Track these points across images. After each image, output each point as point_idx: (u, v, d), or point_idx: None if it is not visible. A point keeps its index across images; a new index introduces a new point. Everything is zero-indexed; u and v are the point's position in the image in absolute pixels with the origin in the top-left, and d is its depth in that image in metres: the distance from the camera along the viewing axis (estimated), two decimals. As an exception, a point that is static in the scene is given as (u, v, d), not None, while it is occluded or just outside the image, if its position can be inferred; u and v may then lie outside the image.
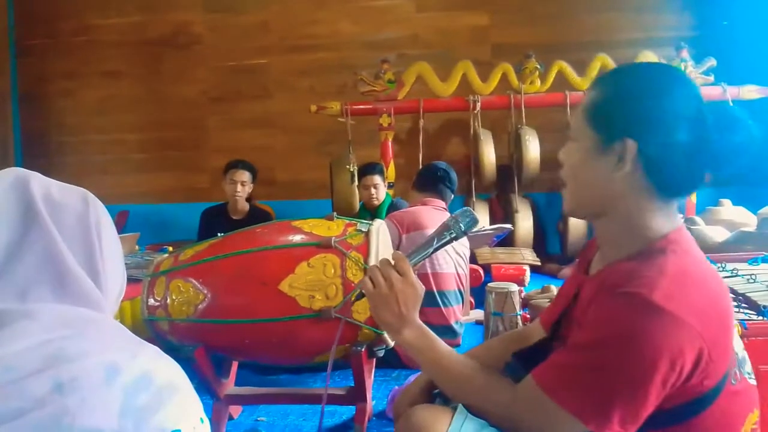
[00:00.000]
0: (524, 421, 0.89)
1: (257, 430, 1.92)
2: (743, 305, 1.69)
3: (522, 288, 3.23)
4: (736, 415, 0.88)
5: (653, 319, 0.78)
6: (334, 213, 1.90)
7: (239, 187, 3.79)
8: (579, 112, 0.96)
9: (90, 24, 5.81)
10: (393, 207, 3.63)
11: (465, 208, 1.14)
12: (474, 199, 4.71)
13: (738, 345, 0.92)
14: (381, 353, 1.81)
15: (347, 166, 4.39)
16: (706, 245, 2.94)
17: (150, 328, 1.77)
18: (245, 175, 3.83)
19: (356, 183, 4.28)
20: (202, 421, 0.63)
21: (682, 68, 4.34)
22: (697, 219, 3.64)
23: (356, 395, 1.79)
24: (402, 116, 4.87)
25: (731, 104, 3.49)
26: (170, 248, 3.01)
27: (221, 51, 5.66)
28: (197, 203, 4.54)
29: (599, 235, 0.99)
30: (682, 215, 0.97)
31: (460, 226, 1.10)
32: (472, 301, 3.24)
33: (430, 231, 2.51)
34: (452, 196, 2.93)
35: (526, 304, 2.97)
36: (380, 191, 3.89)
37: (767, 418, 1.04)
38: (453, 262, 2.67)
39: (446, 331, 2.54)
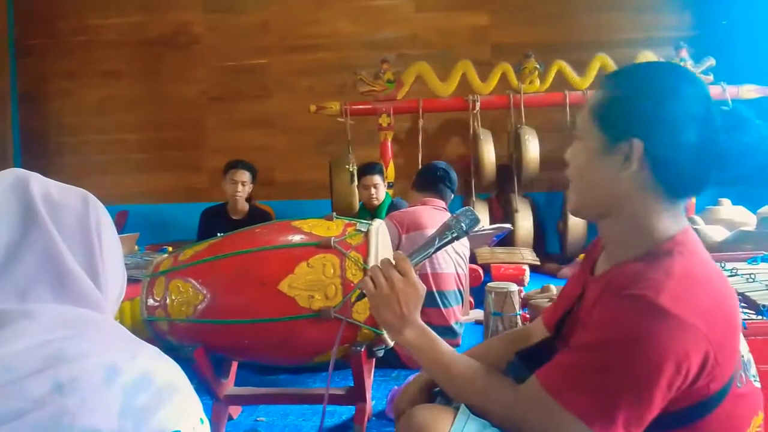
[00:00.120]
0: (527, 422, 0.88)
1: (257, 431, 1.92)
2: (742, 305, 1.69)
3: (521, 288, 3.23)
4: (741, 418, 0.87)
5: (659, 321, 0.78)
6: (334, 213, 1.90)
7: (240, 187, 3.80)
8: (585, 111, 0.95)
9: (90, 24, 5.81)
10: (393, 207, 3.63)
11: (466, 207, 1.13)
12: (474, 198, 4.71)
13: (744, 347, 0.91)
14: (380, 353, 1.81)
15: (347, 166, 4.39)
16: (706, 245, 2.92)
17: (149, 328, 1.77)
18: (245, 175, 3.84)
19: (356, 183, 4.28)
20: (201, 421, 0.63)
21: (682, 68, 4.34)
22: (697, 218, 3.65)
23: (356, 395, 1.79)
24: (401, 116, 4.87)
25: (730, 103, 3.50)
26: (170, 248, 3.01)
27: (221, 51, 5.66)
28: (197, 203, 4.54)
29: (605, 235, 0.98)
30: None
31: (462, 226, 1.09)
32: (472, 301, 3.24)
33: (430, 231, 2.53)
34: (452, 195, 2.93)
35: (525, 303, 2.98)
36: (380, 191, 3.89)
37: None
38: (453, 262, 2.67)
39: (446, 332, 2.54)
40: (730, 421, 0.85)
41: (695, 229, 3.23)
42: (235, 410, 2.03)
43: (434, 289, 2.54)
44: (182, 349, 1.70)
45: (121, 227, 5.08)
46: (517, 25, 5.33)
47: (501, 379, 0.96)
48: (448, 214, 2.75)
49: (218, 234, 1.90)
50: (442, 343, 1.02)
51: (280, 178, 5.60)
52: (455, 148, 5.40)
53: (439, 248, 1.10)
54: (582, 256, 4.22)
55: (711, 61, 4.45)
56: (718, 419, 0.84)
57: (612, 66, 4.54)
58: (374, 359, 1.93)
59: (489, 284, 2.59)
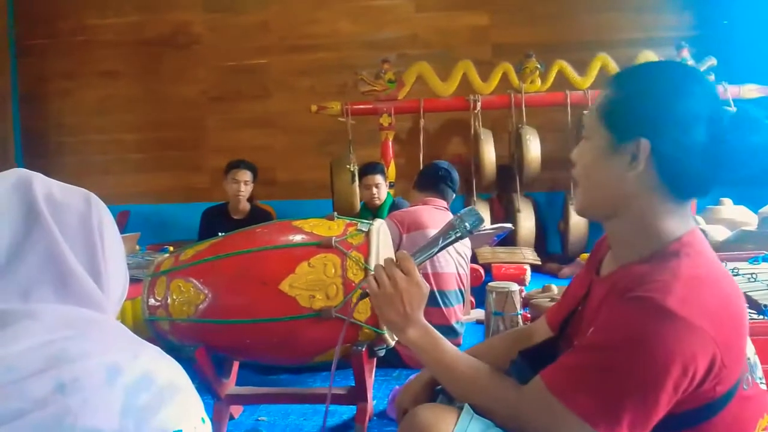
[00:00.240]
0: (531, 423, 0.87)
1: (258, 430, 1.92)
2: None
3: (523, 287, 3.23)
4: (746, 420, 0.87)
5: (666, 323, 0.77)
6: (335, 213, 1.90)
7: (242, 187, 3.81)
8: (593, 110, 0.95)
9: (89, 24, 5.81)
10: (394, 207, 3.62)
11: (470, 207, 1.13)
12: (475, 198, 4.71)
13: (750, 349, 0.91)
14: (382, 353, 1.81)
15: (348, 166, 4.39)
16: (707, 244, 2.93)
17: (151, 328, 1.77)
18: (247, 175, 3.84)
19: (357, 183, 4.28)
20: (203, 420, 0.63)
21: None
22: (698, 218, 3.64)
23: (357, 395, 1.79)
24: (402, 116, 4.87)
25: (732, 103, 3.49)
26: (171, 248, 3.01)
27: (221, 51, 5.65)
28: (197, 203, 4.55)
29: (611, 236, 0.97)
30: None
31: (466, 226, 1.09)
32: (473, 300, 3.24)
33: (431, 231, 2.54)
34: (454, 195, 2.93)
35: (526, 303, 2.97)
36: (382, 191, 3.89)
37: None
38: (454, 261, 2.67)
39: (447, 331, 2.53)
40: (736, 424, 0.85)
41: (696, 229, 3.19)
42: (237, 410, 2.03)
43: (435, 289, 2.54)
44: (183, 349, 1.70)
45: (123, 227, 5.09)
46: (518, 25, 5.33)
47: (504, 379, 0.96)
48: (450, 214, 2.77)
49: (219, 234, 1.90)
50: (446, 343, 1.02)
51: (281, 178, 5.60)
52: (456, 147, 5.40)
53: (442, 248, 1.10)
54: (583, 256, 4.22)
55: (712, 61, 4.45)
56: (724, 422, 0.83)
57: (613, 66, 4.54)
58: (375, 359, 1.93)
59: (490, 284, 2.59)
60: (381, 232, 1.81)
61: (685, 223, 0.90)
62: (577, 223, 4.58)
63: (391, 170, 4.58)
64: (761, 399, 0.90)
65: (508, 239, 4.43)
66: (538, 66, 4.58)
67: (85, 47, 5.81)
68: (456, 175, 2.91)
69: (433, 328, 1.04)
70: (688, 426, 0.83)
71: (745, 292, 1.73)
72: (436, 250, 1.09)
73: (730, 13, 4.99)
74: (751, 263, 2.14)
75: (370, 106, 4.68)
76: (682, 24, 5.15)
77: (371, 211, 3.89)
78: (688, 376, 0.78)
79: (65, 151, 5.92)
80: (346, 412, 2.02)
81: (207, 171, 5.65)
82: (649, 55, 4.43)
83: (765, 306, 1.62)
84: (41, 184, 0.67)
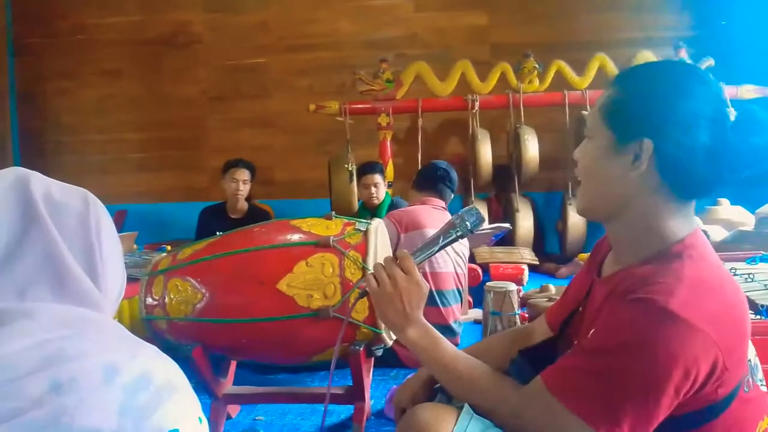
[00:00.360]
0: (531, 423, 0.87)
1: (255, 430, 1.92)
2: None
3: (520, 287, 3.23)
4: (747, 422, 0.87)
5: (669, 326, 0.77)
6: (333, 212, 1.90)
7: (240, 186, 3.81)
8: (595, 110, 0.94)
9: (88, 23, 5.80)
10: (393, 206, 3.63)
11: (471, 206, 1.12)
12: (473, 198, 4.71)
13: (751, 351, 0.90)
14: (379, 352, 1.81)
15: (346, 166, 4.39)
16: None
17: (148, 327, 1.77)
18: (245, 174, 3.85)
19: (355, 182, 4.28)
20: (200, 420, 0.63)
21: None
22: (696, 218, 3.64)
23: (355, 394, 1.79)
24: (400, 116, 4.87)
25: (729, 104, 3.49)
26: (168, 247, 3.00)
27: (221, 50, 5.65)
28: (196, 202, 4.54)
29: (612, 236, 0.97)
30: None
31: (467, 225, 1.08)
32: (471, 300, 3.24)
33: (429, 230, 2.54)
34: (452, 195, 2.93)
35: (524, 303, 2.98)
36: (380, 190, 3.89)
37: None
38: (452, 261, 2.67)
39: (445, 331, 2.53)
40: (737, 426, 0.85)
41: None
42: (234, 409, 2.03)
43: (433, 288, 2.54)
44: (181, 348, 1.70)
45: (120, 226, 5.08)
46: (516, 25, 5.33)
47: (505, 380, 0.95)
48: (448, 214, 2.77)
49: (217, 233, 1.90)
50: (445, 342, 1.01)
51: (279, 178, 5.60)
52: (454, 147, 5.40)
53: (443, 247, 1.09)
54: (581, 256, 4.22)
55: (710, 61, 4.45)
56: (725, 424, 0.83)
57: (611, 66, 4.54)
58: (373, 358, 1.93)
59: (488, 284, 2.59)
60: (379, 231, 1.81)
61: (687, 224, 0.90)
62: (575, 224, 4.58)
63: (389, 170, 4.58)
64: (762, 401, 0.90)
65: (506, 239, 4.43)
66: (537, 66, 4.59)
67: (84, 46, 5.79)
68: (454, 175, 2.92)
69: (432, 327, 1.03)
70: (689, 428, 0.83)
71: (742, 293, 1.73)
72: (436, 249, 1.09)
73: (729, 14, 4.99)
74: (748, 263, 2.14)
75: (369, 106, 4.68)
76: (680, 24, 5.15)
77: (370, 210, 3.89)
78: (690, 380, 0.78)
79: (63, 151, 5.91)
80: (344, 411, 2.02)
81: (206, 170, 5.64)
82: (647, 55, 4.43)
83: (762, 306, 1.62)
84: (39, 183, 0.67)
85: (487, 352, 1.15)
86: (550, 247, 5.12)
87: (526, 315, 2.80)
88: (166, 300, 1.72)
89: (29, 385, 0.54)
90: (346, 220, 1.84)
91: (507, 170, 4.88)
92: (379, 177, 3.88)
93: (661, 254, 0.87)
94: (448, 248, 2.67)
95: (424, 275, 2.56)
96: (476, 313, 3.07)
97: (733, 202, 3.96)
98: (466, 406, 0.94)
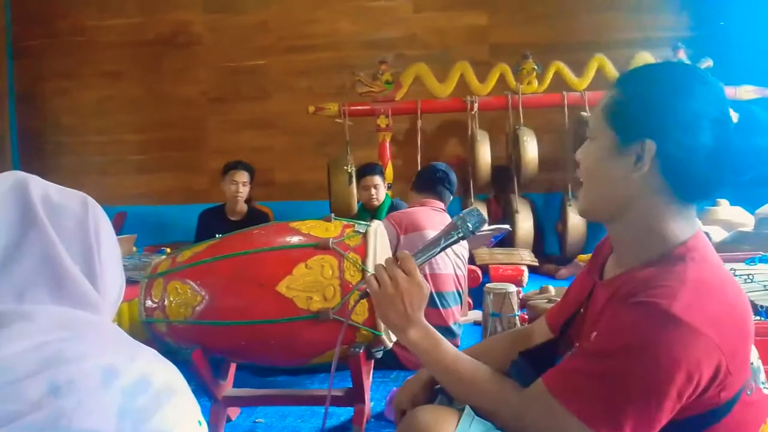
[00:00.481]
0: (533, 425, 0.87)
1: (255, 432, 1.92)
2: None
3: (520, 289, 3.23)
4: (749, 425, 0.86)
5: (671, 330, 0.77)
6: (332, 214, 1.90)
7: (240, 188, 3.81)
8: (598, 111, 0.94)
9: (88, 24, 5.80)
10: (393, 208, 3.63)
11: (472, 207, 1.11)
12: (472, 199, 4.71)
13: (753, 354, 0.90)
14: (379, 354, 1.81)
15: (345, 167, 4.39)
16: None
17: (147, 330, 1.77)
18: (245, 176, 3.85)
19: (354, 184, 4.27)
20: (199, 423, 0.63)
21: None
22: (697, 220, 3.64)
23: (355, 396, 1.79)
24: (400, 117, 4.88)
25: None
26: (168, 250, 3.00)
27: (220, 51, 5.65)
28: (196, 204, 4.54)
29: (615, 238, 0.96)
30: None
31: (468, 226, 1.08)
32: (471, 301, 3.24)
33: (429, 232, 2.54)
34: (451, 197, 2.93)
35: (524, 304, 2.98)
36: (380, 192, 3.89)
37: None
38: (451, 263, 2.67)
39: (445, 332, 2.51)
40: (739, 429, 0.85)
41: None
42: (234, 412, 2.03)
43: (433, 290, 2.54)
44: (180, 351, 1.70)
45: (119, 228, 5.07)
46: (516, 26, 5.34)
47: (506, 382, 0.95)
48: (447, 216, 2.77)
49: (217, 235, 1.90)
50: (447, 344, 1.01)
51: (279, 179, 5.60)
52: (453, 149, 5.40)
53: (444, 248, 1.08)
54: (581, 257, 4.22)
55: (709, 62, 4.46)
56: (727, 427, 0.83)
57: (610, 67, 4.55)
58: (373, 360, 1.93)
59: (487, 285, 2.59)
60: (378, 233, 1.81)
61: (690, 226, 0.89)
62: (575, 225, 4.58)
63: (389, 171, 4.58)
64: (764, 404, 0.89)
65: (506, 240, 4.43)
66: (535, 67, 4.59)
67: (83, 47, 5.79)
68: (453, 177, 2.92)
69: (434, 329, 1.03)
70: (690, 431, 0.83)
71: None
72: (437, 250, 1.08)
73: (727, 14, 5.00)
74: (747, 264, 2.14)
75: (368, 108, 4.68)
76: (679, 25, 5.16)
77: (369, 212, 3.89)
78: (693, 383, 0.77)
79: (63, 152, 5.91)
80: (344, 413, 2.02)
81: (206, 172, 5.64)
82: (645, 56, 4.44)
83: (762, 307, 1.62)
84: (38, 186, 0.67)
85: (487, 353, 1.15)
86: (549, 248, 5.12)
87: (526, 316, 2.80)
88: (166, 303, 1.71)
89: (28, 388, 0.53)
90: (345, 222, 1.84)
91: (506, 171, 4.89)
92: (378, 178, 3.88)
93: (664, 257, 0.87)
94: (448, 250, 2.66)
95: (424, 277, 2.57)
96: (476, 315, 3.07)
97: (733, 203, 3.96)
98: (468, 408, 0.94)
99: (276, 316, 1.65)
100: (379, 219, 2.83)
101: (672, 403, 0.78)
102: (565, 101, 4.57)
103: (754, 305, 1.65)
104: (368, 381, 1.97)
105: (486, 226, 3.91)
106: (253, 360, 2.00)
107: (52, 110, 5.90)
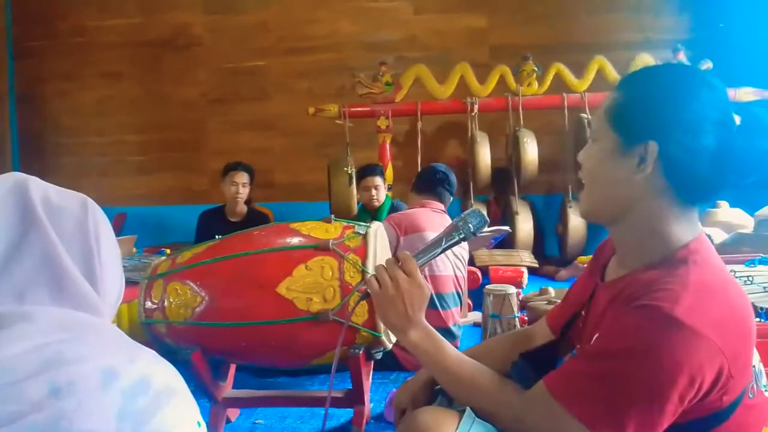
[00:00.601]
0: (533, 428, 0.87)
1: (255, 433, 1.92)
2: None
3: (520, 290, 3.23)
4: (751, 428, 0.86)
5: (674, 333, 0.76)
6: (332, 215, 1.90)
7: (240, 189, 3.81)
8: (601, 112, 0.94)
9: (88, 25, 5.80)
10: (393, 209, 3.63)
11: (474, 208, 1.11)
12: (472, 201, 4.72)
13: (755, 357, 0.90)
14: (379, 356, 1.81)
15: (345, 169, 4.39)
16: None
17: (147, 331, 1.77)
18: (244, 177, 3.85)
19: (354, 185, 4.28)
20: (199, 424, 0.63)
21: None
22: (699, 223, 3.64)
23: (354, 398, 1.79)
24: (400, 118, 4.88)
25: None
26: (168, 251, 3.00)
27: (220, 52, 5.65)
28: (196, 205, 4.54)
29: (616, 240, 0.96)
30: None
31: (469, 227, 1.07)
32: (470, 303, 3.24)
33: (429, 233, 2.54)
34: (451, 198, 2.93)
35: (524, 306, 2.97)
36: (381, 193, 3.89)
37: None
38: (451, 264, 2.67)
39: (444, 334, 2.49)
40: None
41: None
42: (233, 413, 2.03)
43: (432, 291, 2.54)
44: (180, 352, 1.70)
45: (120, 229, 5.07)
46: (516, 27, 5.34)
47: (507, 384, 0.95)
48: (447, 217, 2.77)
49: (216, 236, 1.90)
50: (447, 345, 1.01)
51: (279, 180, 5.60)
52: (453, 150, 5.41)
53: (445, 249, 1.08)
54: (581, 258, 4.22)
55: (708, 64, 4.46)
56: (729, 431, 0.83)
57: (610, 69, 4.55)
58: (372, 362, 1.93)
59: (487, 286, 2.59)
60: (378, 234, 1.81)
61: (692, 228, 0.89)
62: (575, 226, 4.58)
63: (389, 173, 4.58)
64: (766, 407, 0.89)
65: (506, 242, 4.44)
66: (535, 69, 4.60)
67: (84, 48, 5.80)
68: (453, 178, 2.92)
69: (434, 330, 1.03)
70: None
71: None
72: (438, 251, 1.08)
73: (727, 16, 5.01)
74: (747, 266, 2.14)
75: (368, 109, 4.69)
76: (678, 27, 5.17)
77: (370, 212, 3.89)
78: (695, 387, 0.77)
79: (63, 153, 5.91)
80: (344, 415, 2.01)
81: (206, 173, 5.64)
82: (646, 58, 4.44)
83: (762, 309, 1.62)
84: (38, 187, 0.67)
85: (487, 354, 1.15)
86: (549, 249, 5.12)
87: (526, 318, 2.80)
88: (166, 303, 1.71)
89: (29, 389, 0.54)
90: (345, 224, 1.84)
91: (506, 173, 4.89)
92: (379, 179, 3.88)
93: (666, 259, 0.86)
94: (448, 251, 2.67)
95: (424, 278, 2.57)
96: (476, 316, 3.07)
97: (733, 205, 3.96)
98: (468, 409, 0.94)
99: (276, 317, 1.65)
100: (380, 220, 2.83)
101: (674, 407, 0.78)
102: (565, 103, 4.57)
103: (754, 307, 1.65)
104: (368, 382, 1.96)
105: (487, 228, 3.91)
106: (252, 361, 2.00)
107: (53, 111, 5.91)
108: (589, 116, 4.46)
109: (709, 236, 0.96)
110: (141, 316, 1.75)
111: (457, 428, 0.90)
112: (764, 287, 1.82)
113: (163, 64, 5.72)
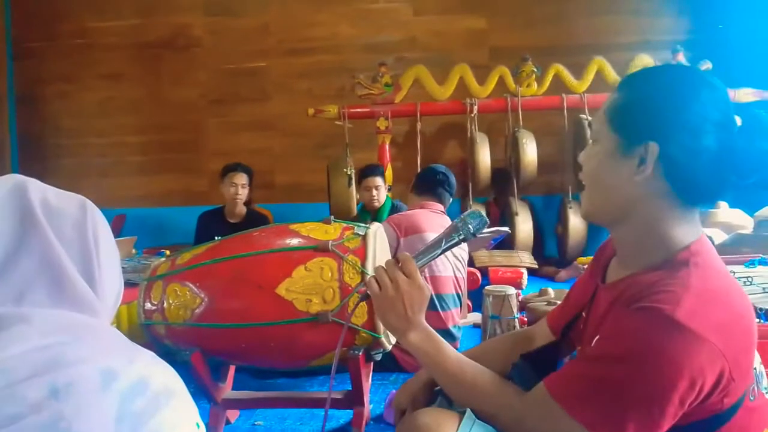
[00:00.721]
0: (533, 430, 0.87)
1: (254, 434, 1.92)
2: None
3: (519, 291, 3.23)
4: (752, 430, 0.86)
5: (675, 336, 0.76)
6: (332, 216, 1.90)
7: (239, 190, 3.80)
8: (601, 113, 0.93)
9: (88, 26, 5.81)
10: (394, 209, 3.63)
11: (473, 209, 1.11)
12: (471, 202, 4.72)
13: (756, 359, 0.90)
14: (378, 357, 1.81)
15: (344, 169, 4.39)
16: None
17: (146, 332, 1.77)
18: (244, 178, 3.84)
19: (354, 186, 4.28)
20: (198, 426, 0.63)
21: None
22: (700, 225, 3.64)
23: (354, 399, 1.79)
24: (399, 119, 4.89)
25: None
26: (167, 252, 3.00)
27: (220, 54, 5.66)
28: (195, 206, 4.54)
29: (617, 241, 0.96)
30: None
31: (469, 228, 1.07)
32: (470, 304, 3.24)
33: (429, 234, 2.54)
34: (451, 199, 2.93)
35: (523, 307, 2.97)
36: (381, 193, 3.89)
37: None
38: (451, 265, 2.67)
39: (444, 335, 2.52)
40: None
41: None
42: (233, 414, 2.02)
43: (432, 292, 2.54)
44: (179, 353, 1.70)
45: (119, 230, 5.08)
46: (515, 29, 5.35)
47: (508, 385, 0.95)
48: (447, 218, 2.77)
49: (216, 237, 1.90)
50: (447, 347, 1.01)
51: (279, 181, 5.60)
52: (453, 151, 5.41)
53: (445, 250, 1.07)
54: (581, 259, 4.22)
55: (707, 65, 4.47)
56: None
57: (609, 70, 4.56)
58: (372, 363, 1.93)
59: (487, 287, 2.59)
60: (378, 235, 1.81)
61: (693, 230, 0.89)
62: (575, 227, 4.58)
63: (388, 173, 4.58)
64: (766, 409, 0.89)
65: (506, 243, 4.44)
66: (535, 70, 4.60)
67: (84, 50, 5.80)
68: (453, 179, 2.92)
69: (434, 331, 1.03)
70: None
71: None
72: (438, 252, 1.07)
73: (726, 17, 5.01)
74: (747, 267, 2.14)
75: (367, 110, 4.69)
76: (678, 27, 5.17)
77: (370, 213, 3.89)
78: (696, 390, 0.77)
79: (63, 154, 5.91)
80: (343, 416, 2.01)
81: (205, 174, 5.64)
82: (645, 59, 4.45)
83: (761, 309, 1.62)
84: (37, 189, 0.67)
85: (487, 355, 1.14)
86: (549, 250, 5.12)
87: (525, 318, 2.80)
88: (165, 305, 1.71)
89: (28, 390, 0.54)
90: (345, 225, 1.84)
91: (505, 174, 4.89)
92: (380, 180, 3.88)
93: (667, 261, 0.86)
94: (448, 252, 2.67)
95: (424, 279, 2.57)
96: (475, 317, 3.07)
97: (732, 206, 3.97)
98: (468, 411, 0.93)
99: (275, 318, 1.65)
100: (380, 220, 2.83)
101: (674, 410, 0.78)
102: (565, 104, 4.58)
103: (753, 308, 1.65)
104: (367, 383, 1.96)
105: (486, 229, 3.91)
106: (252, 362, 1.99)
107: (52, 112, 5.91)
108: (589, 117, 4.47)
109: (709, 237, 0.95)
110: (140, 317, 1.75)
111: (457, 430, 0.90)
112: (764, 288, 1.82)
113: (163, 66, 5.73)
